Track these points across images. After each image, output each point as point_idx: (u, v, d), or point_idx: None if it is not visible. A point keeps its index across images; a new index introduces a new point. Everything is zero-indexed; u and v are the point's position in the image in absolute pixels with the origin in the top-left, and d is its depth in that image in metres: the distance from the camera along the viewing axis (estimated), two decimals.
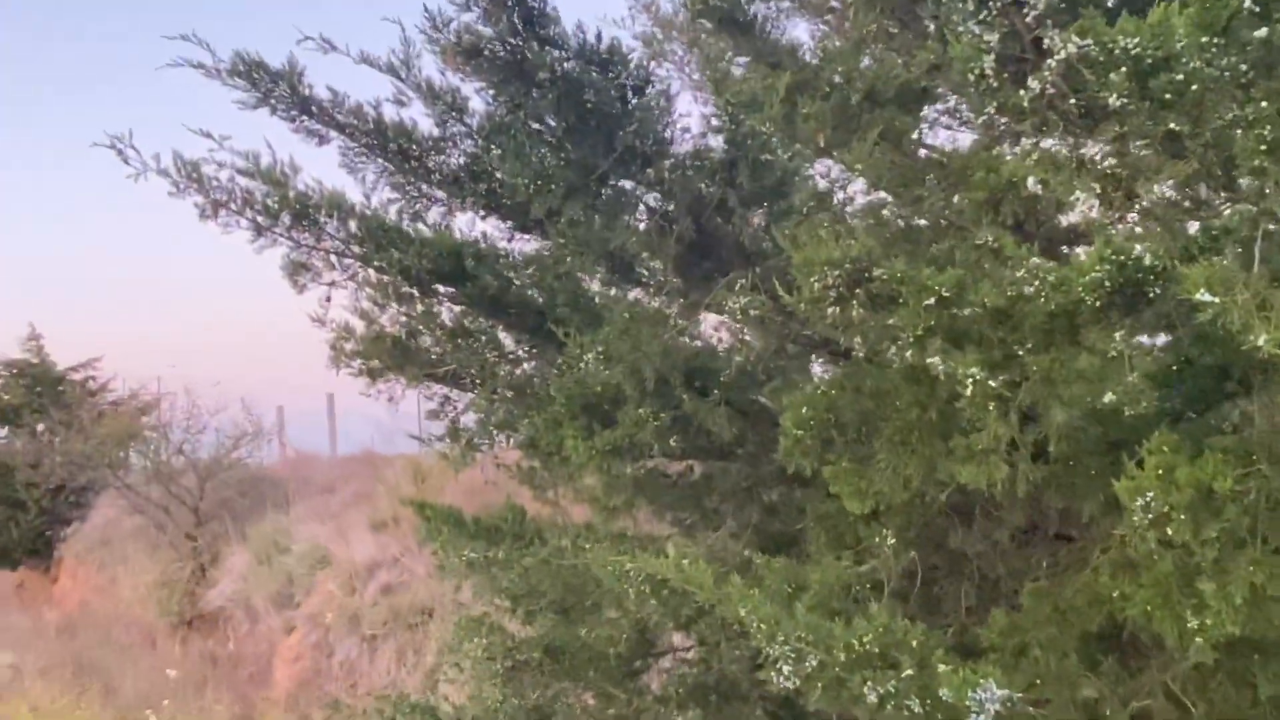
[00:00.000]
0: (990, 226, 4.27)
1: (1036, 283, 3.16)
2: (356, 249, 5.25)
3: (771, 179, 3.69)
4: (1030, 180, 3.63)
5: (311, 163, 5.68)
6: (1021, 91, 2.51)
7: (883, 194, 5.47)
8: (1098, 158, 2.68)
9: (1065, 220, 3.91)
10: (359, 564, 14.56)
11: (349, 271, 5.53)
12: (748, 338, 4.54)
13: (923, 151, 5.46)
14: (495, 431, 5.86)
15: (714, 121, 3.62)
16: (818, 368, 5.68)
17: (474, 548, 6.03)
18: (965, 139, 5.82)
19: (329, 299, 5.72)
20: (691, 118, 3.96)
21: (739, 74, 4.72)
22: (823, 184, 4.13)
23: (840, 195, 4.49)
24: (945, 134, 5.79)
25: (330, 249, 5.34)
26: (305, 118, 4.74)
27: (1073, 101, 2.52)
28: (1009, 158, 4.85)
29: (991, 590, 4.52)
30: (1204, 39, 2.43)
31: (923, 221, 5.48)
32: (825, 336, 4.22)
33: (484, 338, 5.66)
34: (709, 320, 5.24)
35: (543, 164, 3.76)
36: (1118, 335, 3.02)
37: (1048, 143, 3.22)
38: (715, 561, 5.23)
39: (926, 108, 5.27)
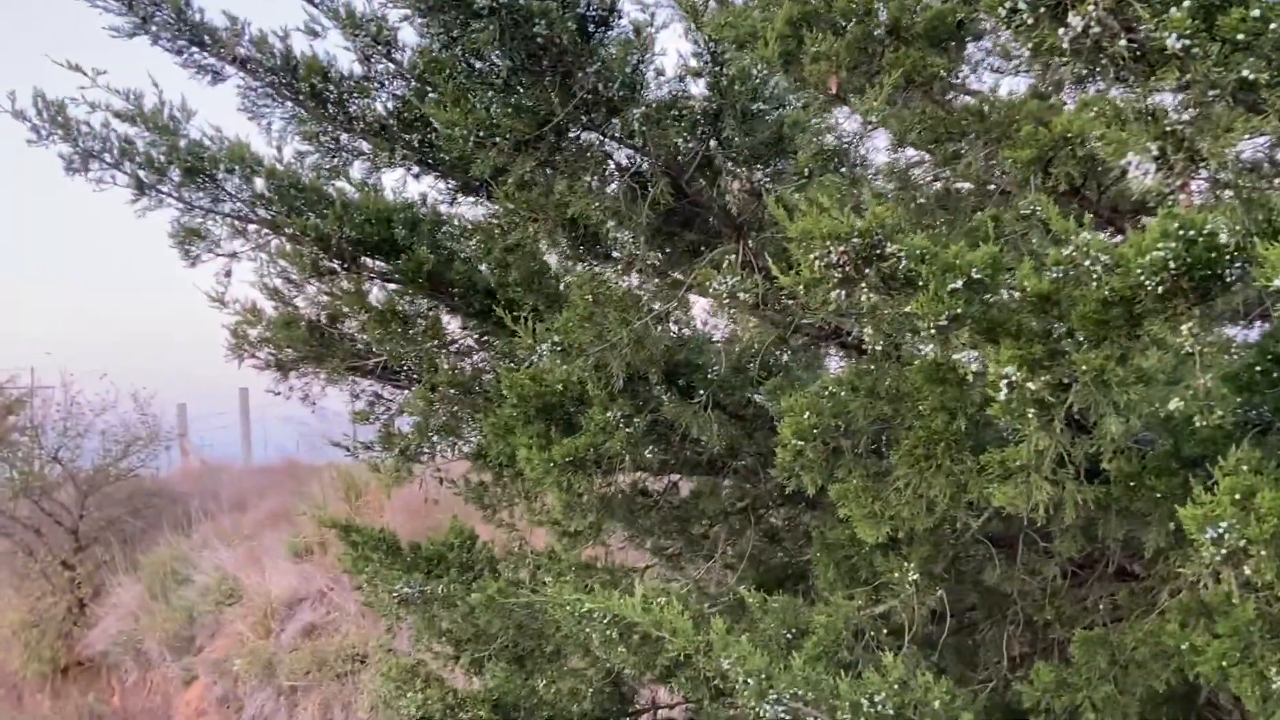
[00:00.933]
0: (1039, 192, 4.34)
1: (1087, 262, 3.16)
2: (263, 212, 5.23)
3: (766, 133, 3.69)
4: (1092, 136, 3.65)
5: (209, 106, 5.67)
6: (1061, 30, 2.52)
7: (911, 152, 5.55)
8: (1157, 111, 2.69)
9: (1138, 186, 3.95)
10: (276, 599, 14.54)
11: (255, 240, 5.50)
12: (741, 325, 4.59)
13: (964, 99, 5.54)
14: (436, 438, 5.87)
15: (693, 62, 3.62)
16: (832, 362, 5.75)
17: (410, 581, 6.05)
18: (1016, 84, 5.90)
19: (229, 273, 5.69)
20: (668, 57, 3.98)
21: (727, 1, 4.78)
22: (831, 140, 4.15)
23: (855, 154, 4.53)
24: (991, 78, 5.87)
25: (231, 212, 5.31)
26: (196, 49, 4.70)
27: (1124, 43, 2.53)
28: (1068, 107, 4.94)
29: (1036, 637, 4.58)
30: None
31: (964, 186, 5.58)
32: (835, 326, 4.26)
33: (421, 323, 5.67)
34: (699, 305, 5.30)
35: (487, 111, 3.75)
36: (1186, 328, 3.00)
37: (1115, 92, 3.25)
38: (704, 598, 5.28)
39: (968, 44, 5.35)
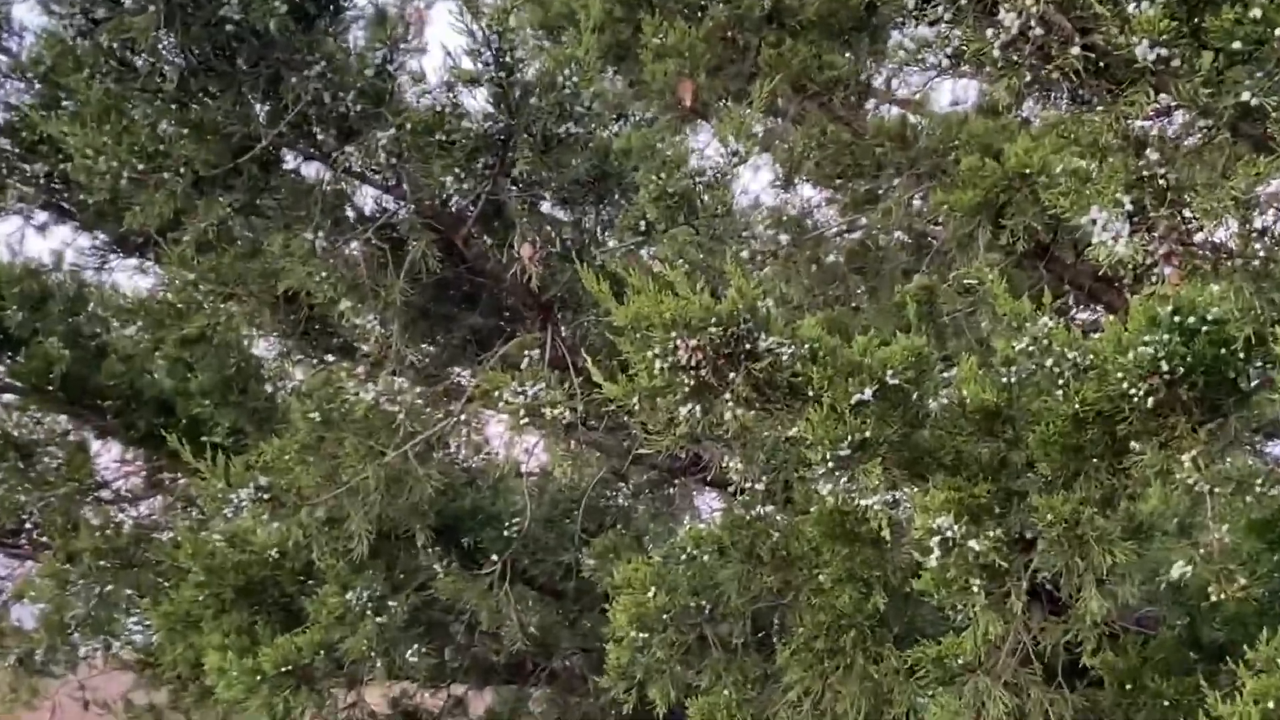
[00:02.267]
0: (988, 253, 4.50)
1: (1050, 361, 3.29)
2: None
3: (581, 166, 3.76)
4: (1058, 169, 3.83)
5: None
6: (990, 31, 2.64)
7: (807, 191, 5.72)
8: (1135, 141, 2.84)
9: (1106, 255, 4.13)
10: None
11: None
12: (554, 455, 4.56)
13: (883, 113, 5.76)
14: (77, 636, 5.69)
15: (468, 62, 3.68)
16: (692, 508, 5.78)
17: None
18: (959, 90, 6.18)
19: None
20: (432, 55, 4.04)
21: None
22: (682, 176, 4.18)
23: (718, 196, 4.57)
24: (918, 80, 6.10)
25: None
26: None
27: (1077, 50, 2.66)
28: (1032, 126, 5.18)
29: None
30: None
31: (883, 239, 5.75)
32: (691, 455, 4.29)
33: (54, 454, 5.54)
34: (492, 423, 5.27)
35: (151, 132, 3.73)
36: (1189, 456, 3.10)
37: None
38: None
39: (885, 35, 5.55)
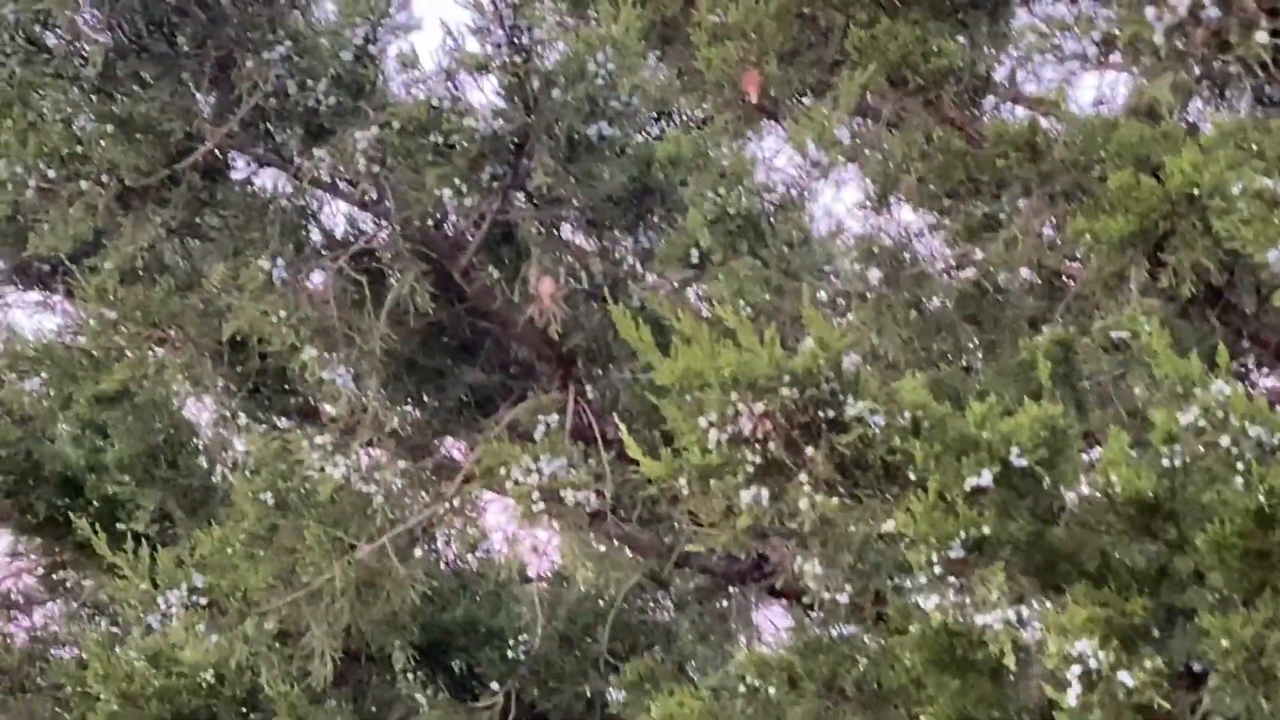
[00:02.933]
0: (1142, 299, 4.46)
1: (1226, 439, 3.30)
2: None
3: (616, 179, 3.79)
4: (1235, 190, 3.84)
5: None
6: (1151, 11, 2.64)
7: (907, 215, 5.65)
8: None
9: None
10: None
11: None
12: (573, 553, 4.52)
13: (1004, 116, 5.73)
14: None
15: (474, 44, 3.72)
16: (766, 620, 5.70)
17: None
18: (1105, 88, 6.18)
19: None
20: (428, 34, 4.08)
21: None
22: (743, 194, 4.17)
23: (792, 219, 4.55)
24: (1055, 74, 6.08)
25: None
26: None
27: (1263, 38, 2.65)
28: (1203, 135, 5.15)
29: None
30: None
31: (1005, 279, 5.69)
32: (754, 557, 4.25)
33: None
34: (493, 508, 5.24)
35: (68, 129, 3.78)
36: None
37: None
38: None
39: (1012, 13, 5.55)
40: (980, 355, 5.99)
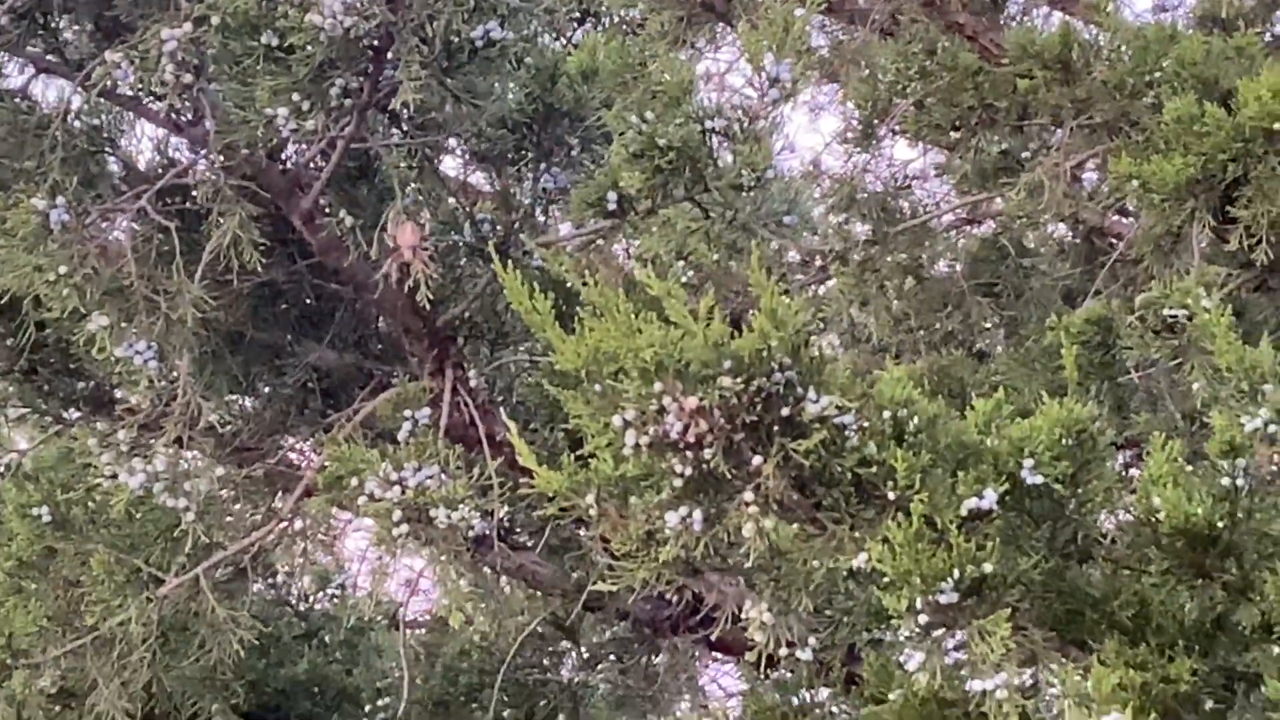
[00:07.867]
0: (1202, 262, 4.27)
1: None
2: None
3: (514, 97, 3.76)
4: None
5: None
6: None
7: (900, 146, 5.46)
8: None
9: None
10: None
11: None
12: (452, 589, 4.45)
13: (1038, 17, 5.57)
14: None
15: None
16: (708, 681, 5.61)
17: None
18: None
19: None
20: None
21: None
22: (687, 123, 3.96)
23: (740, 150, 4.34)
24: None
25: None
26: None
27: None
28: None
29: None
30: None
31: (1015, 233, 5.54)
32: (687, 595, 4.09)
33: None
34: (351, 533, 5.07)
35: None
36: None
37: None
38: None
39: None
40: (996, 336, 5.86)
